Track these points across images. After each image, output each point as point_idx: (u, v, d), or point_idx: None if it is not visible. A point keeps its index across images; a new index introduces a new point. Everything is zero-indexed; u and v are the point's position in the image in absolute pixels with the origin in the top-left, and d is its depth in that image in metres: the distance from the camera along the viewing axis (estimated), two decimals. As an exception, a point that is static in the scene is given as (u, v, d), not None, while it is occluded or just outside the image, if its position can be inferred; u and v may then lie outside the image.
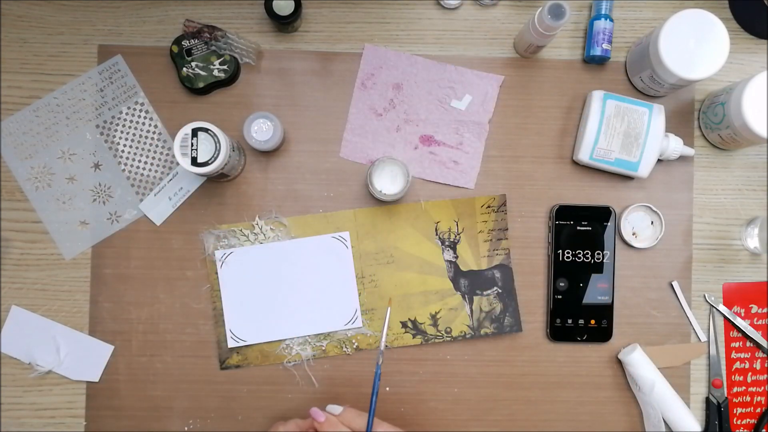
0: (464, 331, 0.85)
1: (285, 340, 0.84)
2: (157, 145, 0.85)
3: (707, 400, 0.86)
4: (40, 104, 0.85)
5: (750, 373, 0.87)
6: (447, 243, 0.85)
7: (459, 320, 0.85)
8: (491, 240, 0.85)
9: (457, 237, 0.85)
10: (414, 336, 0.85)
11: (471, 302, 0.85)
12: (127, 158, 0.85)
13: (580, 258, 0.85)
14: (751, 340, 0.86)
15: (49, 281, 0.84)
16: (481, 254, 0.85)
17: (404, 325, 0.85)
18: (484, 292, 0.85)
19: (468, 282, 0.85)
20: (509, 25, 0.87)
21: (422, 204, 0.85)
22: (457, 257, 0.85)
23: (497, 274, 0.85)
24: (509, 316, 0.85)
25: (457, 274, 0.85)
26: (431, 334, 0.85)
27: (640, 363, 0.83)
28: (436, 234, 0.85)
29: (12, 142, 0.85)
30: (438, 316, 0.85)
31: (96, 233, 0.85)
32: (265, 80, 0.86)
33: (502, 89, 0.86)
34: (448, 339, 0.85)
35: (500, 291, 0.85)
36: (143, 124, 0.85)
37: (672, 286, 0.86)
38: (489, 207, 0.85)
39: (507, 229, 0.86)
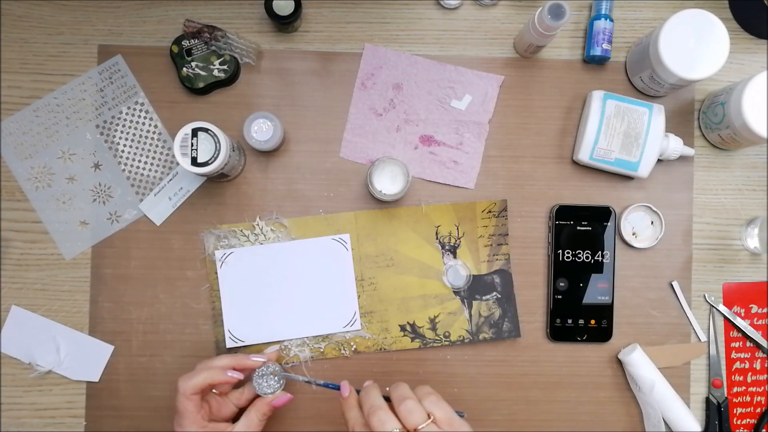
0: (463, 335, 0.85)
1: (283, 341, 0.84)
2: (157, 145, 0.85)
3: (707, 400, 0.86)
4: (40, 104, 0.85)
5: (750, 373, 0.87)
6: (447, 247, 0.85)
7: (458, 325, 0.85)
8: (491, 245, 0.85)
9: (458, 241, 0.85)
10: (412, 340, 0.85)
11: (470, 307, 0.85)
12: (127, 158, 0.85)
13: (580, 258, 0.85)
14: (751, 340, 0.86)
15: (49, 281, 0.84)
16: (481, 259, 0.85)
17: (403, 328, 0.85)
18: (484, 297, 0.85)
19: (467, 287, 0.85)
20: (509, 25, 0.87)
21: (423, 208, 0.85)
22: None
23: (497, 279, 0.85)
24: (508, 321, 0.85)
25: (456, 277, 0.85)
26: (430, 338, 0.85)
27: (640, 363, 0.83)
28: (437, 238, 0.85)
29: (12, 142, 0.85)
30: (437, 321, 0.85)
31: (96, 233, 0.85)
32: (265, 80, 0.86)
33: (502, 89, 0.86)
34: (447, 343, 0.85)
35: (499, 296, 0.85)
36: (143, 124, 0.85)
37: (672, 286, 0.86)
38: (490, 212, 0.85)
39: (507, 234, 0.86)
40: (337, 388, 0.70)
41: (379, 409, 0.63)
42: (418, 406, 0.62)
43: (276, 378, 0.77)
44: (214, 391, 0.77)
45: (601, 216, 0.85)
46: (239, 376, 0.75)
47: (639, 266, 0.86)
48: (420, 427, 0.61)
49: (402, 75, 0.86)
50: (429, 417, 0.62)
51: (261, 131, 0.81)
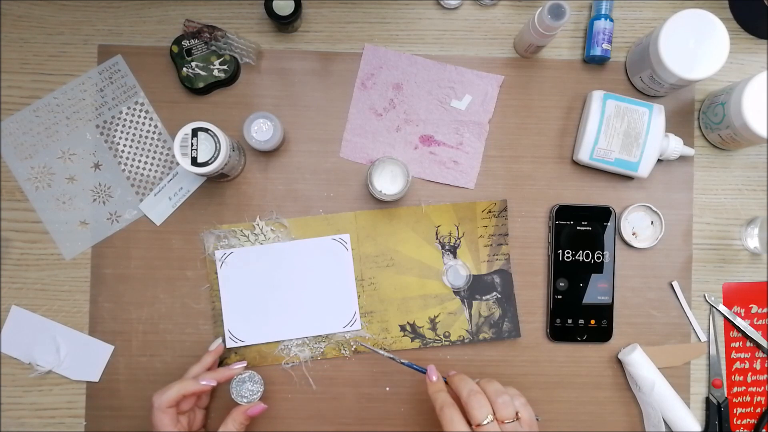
0: (463, 335, 0.85)
1: (283, 341, 0.84)
2: (157, 145, 0.85)
3: (707, 400, 0.86)
4: (40, 104, 0.85)
5: (750, 373, 0.87)
6: (447, 247, 0.85)
7: (458, 325, 0.85)
8: (491, 245, 0.85)
9: (458, 241, 0.85)
10: (412, 339, 0.85)
11: (470, 307, 0.85)
12: (127, 158, 0.85)
13: (580, 258, 0.85)
14: (751, 340, 0.86)
15: (49, 281, 0.84)
16: (481, 259, 0.85)
17: (403, 328, 0.85)
18: (484, 297, 0.85)
19: (467, 287, 0.85)
20: (509, 25, 0.87)
21: (423, 208, 0.85)
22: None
23: (497, 279, 0.85)
24: (508, 321, 0.85)
25: (456, 277, 0.85)
26: (430, 338, 0.85)
27: (640, 363, 0.83)
28: (437, 238, 0.85)
29: (12, 142, 0.85)
30: (437, 321, 0.85)
31: (96, 233, 0.85)
32: (265, 80, 0.86)
33: (502, 89, 0.86)
34: (447, 343, 0.85)
35: (499, 296, 0.85)
36: (143, 124, 0.85)
37: (672, 286, 0.86)
38: (490, 212, 0.85)
39: (507, 234, 0.86)
40: (423, 371, 0.74)
41: (479, 393, 0.68)
42: (512, 403, 0.68)
43: (253, 386, 0.79)
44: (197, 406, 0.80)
45: (601, 216, 0.85)
46: (212, 383, 0.76)
47: (639, 266, 0.86)
48: (507, 421, 0.66)
49: (402, 75, 0.86)
50: (516, 415, 0.67)
51: (261, 131, 0.81)
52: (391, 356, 0.76)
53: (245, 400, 0.78)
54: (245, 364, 0.80)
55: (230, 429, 0.76)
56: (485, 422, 0.65)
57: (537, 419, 0.70)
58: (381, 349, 0.78)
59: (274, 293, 0.85)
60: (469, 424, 0.66)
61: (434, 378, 0.73)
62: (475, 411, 0.66)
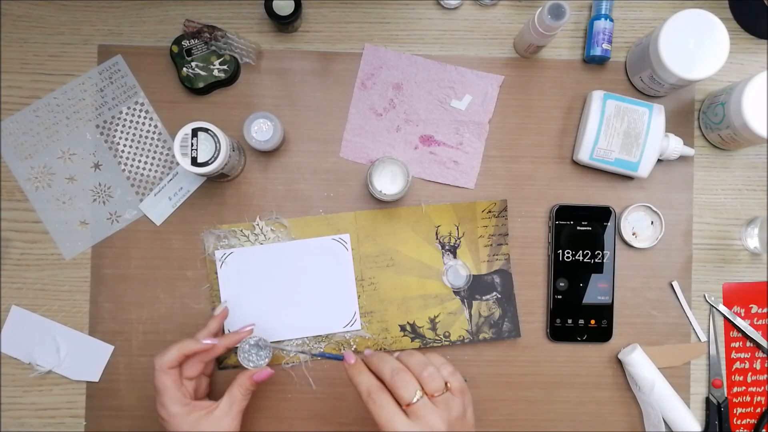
0: (463, 335, 0.85)
1: (283, 341, 0.84)
2: (157, 145, 0.85)
3: (707, 400, 0.86)
4: (40, 104, 0.85)
5: (750, 373, 0.87)
6: (447, 247, 0.85)
7: (458, 325, 0.85)
8: (491, 245, 0.85)
9: (458, 241, 0.85)
10: (412, 340, 0.85)
11: (470, 307, 0.85)
12: (127, 158, 0.85)
13: (580, 258, 0.85)
14: (751, 340, 0.86)
15: (49, 281, 0.84)
16: (481, 259, 0.85)
17: (403, 328, 0.85)
18: (484, 297, 0.85)
19: (467, 287, 0.85)
20: (509, 25, 0.87)
21: (423, 208, 0.85)
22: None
23: (497, 279, 0.85)
24: (508, 321, 0.85)
25: (456, 277, 0.85)
26: (430, 338, 0.85)
27: (640, 363, 0.83)
28: (437, 238, 0.85)
29: (12, 142, 0.85)
30: (437, 321, 0.85)
31: (96, 233, 0.85)
32: (265, 80, 0.86)
33: (502, 89, 0.86)
34: (447, 343, 0.85)
35: (499, 296, 0.85)
36: (143, 124, 0.85)
37: (672, 286, 0.86)
38: (490, 212, 0.85)
39: (507, 234, 0.86)
40: (338, 358, 0.69)
41: (403, 371, 0.63)
42: (439, 374, 0.63)
43: (261, 351, 0.77)
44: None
45: (601, 216, 0.85)
46: (212, 341, 0.74)
47: (639, 266, 0.86)
48: (437, 394, 0.62)
49: (402, 75, 0.86)
50: (446, 385, 0.63)
51: (261, 131, 0.81)
52: (302, 351, 0.75)
53: (252, 365, 0.76)
54: (254, 326, 0.78)
55: (235, 393, 0.74)
56: (415, 400, 0.61)
57: (465, 380, 0.66)
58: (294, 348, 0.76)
59: (274, 293, 0.84)
60: (400, 404, 0.62)
61: (352, 361, 0.67)
62: (402, 390, 0.61)
